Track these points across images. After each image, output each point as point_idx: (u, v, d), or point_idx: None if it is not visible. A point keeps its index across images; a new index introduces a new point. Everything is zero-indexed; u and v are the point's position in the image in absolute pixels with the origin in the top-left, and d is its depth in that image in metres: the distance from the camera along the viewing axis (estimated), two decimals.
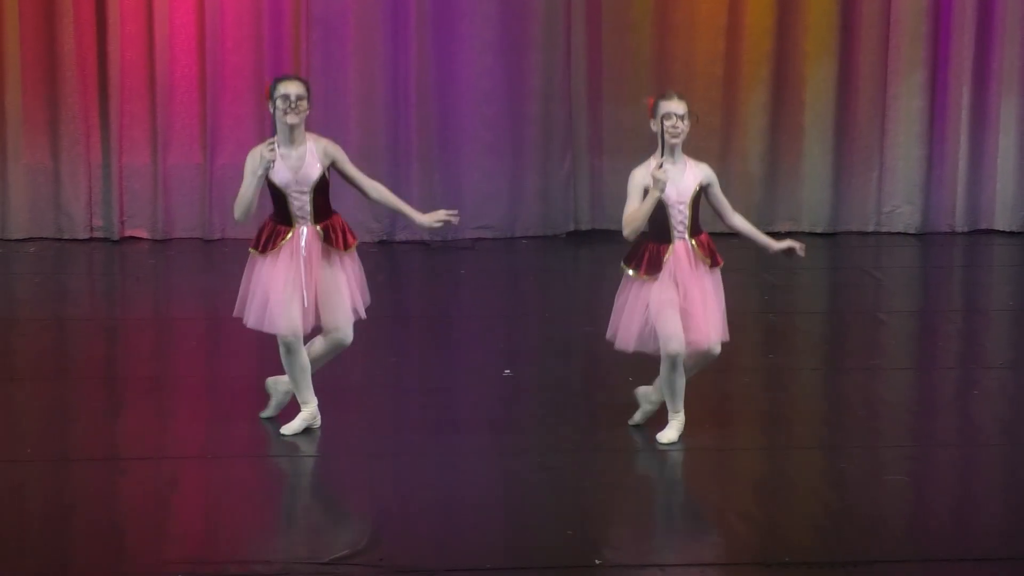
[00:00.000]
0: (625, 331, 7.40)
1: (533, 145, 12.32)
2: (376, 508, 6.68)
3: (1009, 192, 12.75)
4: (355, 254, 7.49)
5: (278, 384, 7.61)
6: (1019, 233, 12.76)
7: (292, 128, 7.29)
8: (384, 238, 12.29)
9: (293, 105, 7.25)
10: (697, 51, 12.36)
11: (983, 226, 12.78)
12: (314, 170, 7.34)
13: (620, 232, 12.43)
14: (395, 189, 12.12)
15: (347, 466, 7.23)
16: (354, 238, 7.48)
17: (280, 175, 7.29)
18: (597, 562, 6.07)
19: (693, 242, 7.34)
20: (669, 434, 7.38)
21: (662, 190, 7.21)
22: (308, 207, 7.35)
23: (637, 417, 7.61)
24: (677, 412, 7.39)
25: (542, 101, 12.31)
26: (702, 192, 7.36)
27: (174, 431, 7.71)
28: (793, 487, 7.00)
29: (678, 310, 7.26)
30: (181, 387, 8.40)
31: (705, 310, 7.29)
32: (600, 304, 10.73)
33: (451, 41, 12.12)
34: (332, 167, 7.40)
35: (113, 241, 12.14)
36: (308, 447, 7.37)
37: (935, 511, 6.73)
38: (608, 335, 7.49)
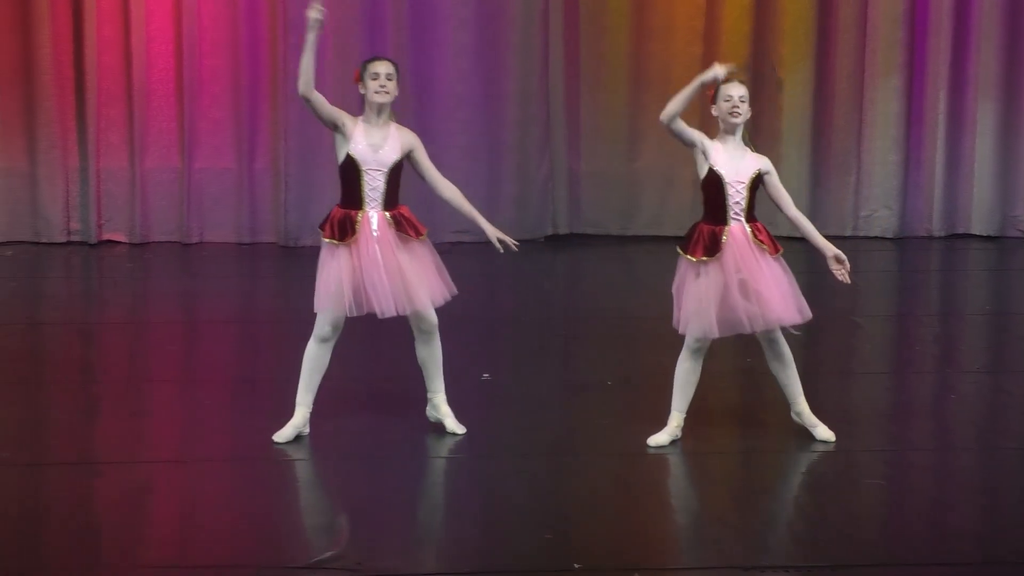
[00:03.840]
0: (700, 317, 7.26)
1: (511, 149, 12.33)
2: (352, 512, 6.66)
3: (985, 196, 12.80)
4: (428, 242, 7.50)
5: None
6: (995, 237, 12.81)
7: (380, 107, 7.35)
8: None
9: (383, 84, 7.30)
10: (674, 55, 12.38)
11: (960, 230, 12.82)
12: (394, 153, 7.38)
13: (597, 236, 12.53)
14: None
15: (324, 470, 7.21)
16: (423, 227, 7.49)
17: (360, 150, 7.31)
18: (576, 566, 6.07)
19: (749, 227, 7.32)
20: (660, 437, 7.36)
21: (716, 75, 7.14)
22: (381, 188, 7.37)
23: (818, 431, 7.52)
24: (680, 411, 7.38)
25: (519, 105, 12.31)
26: (761, 179, 7.34)
27: (150, 435, 7.69)
28: (770, 491, 7.01)
29: (737, 294, 7.23)
30: (157, 391, 8.38)
31: (775, 289, 7.25)
32: (577, 308, 10.75)
33: (428, 45, 12.11)
34: (409, 157, 7.42)
35: (90, 245, 12.12)
36: (283, 451, 7.35)
37: (911, 515, 6.73)
38: (675, 323, 7.36)
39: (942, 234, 12.77)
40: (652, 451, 7.34)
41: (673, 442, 7.38)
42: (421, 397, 7.75)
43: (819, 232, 7.41)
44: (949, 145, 12.71)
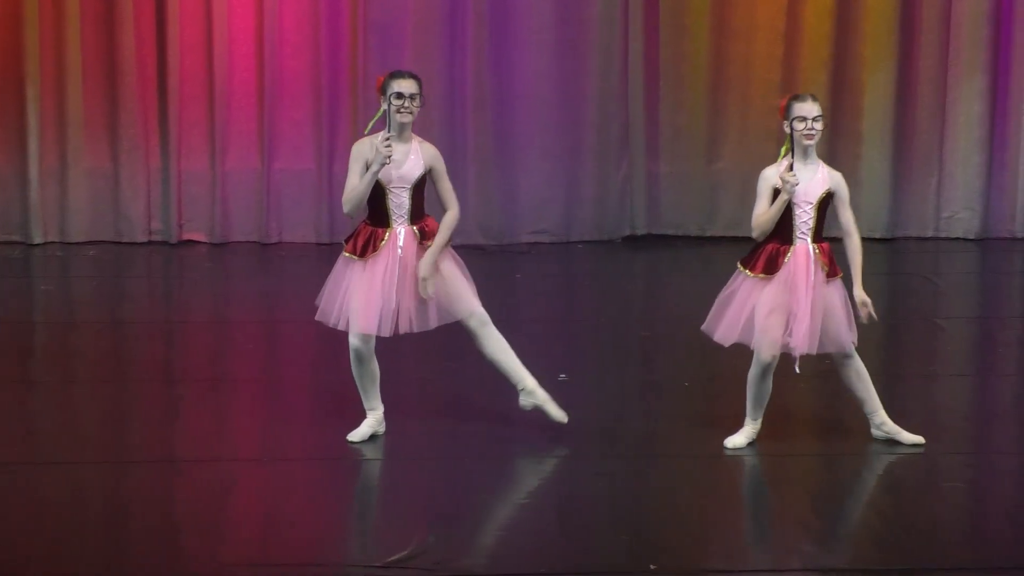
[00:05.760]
0: (728, 327, 7.29)
1: (589, 149, 12.32)
2: (431, 512, 6.69)
3: None
4: (451, 250, 7.48)
5: None
6: None
7: (402, 126, 7.33)
8: None
9: (406, 104, 7.29)
10: (755, 55, 12.32)
11: None
12: (417, 168, 7.36)
13: (676, 237, 12.51)
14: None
15: (402, 471, 7.24)
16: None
17: (384, 170, 7.32)
18: (652, 567, 6.06)
19: (815, 247, 7.29)
20: (737, 439, 7.33)
21: (791, 192, 7.14)
22: (407, 204, 7.37)
23: (903, 436, 7.47)
24: (755, 420, 7.35)
25: (599, 105, 12.30)
26: (829, 198, 7.30)
27: (231, 434, 7.75)
28: (850, 494, 6.96)
29: (785, 316, 7.20)
30: (238, 390, 8.44)
31: (815, 317, 7.19)
32: (656, 309, 10.73)
33: (508, 45, 12.13)
34: (429, 173, 7.42)
35: (171, 244, 12.23)
36: (363, 452, 7.39)
37: (993, 518, 6.67)
38: (705, 327, 7.38)
39: None
40: (730, 453, 7.32)
41: (751, 444, 7.35)
42: (499, 396, 7.76)
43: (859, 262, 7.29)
44: None
